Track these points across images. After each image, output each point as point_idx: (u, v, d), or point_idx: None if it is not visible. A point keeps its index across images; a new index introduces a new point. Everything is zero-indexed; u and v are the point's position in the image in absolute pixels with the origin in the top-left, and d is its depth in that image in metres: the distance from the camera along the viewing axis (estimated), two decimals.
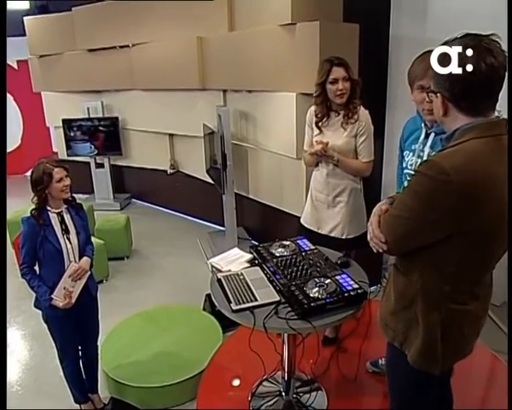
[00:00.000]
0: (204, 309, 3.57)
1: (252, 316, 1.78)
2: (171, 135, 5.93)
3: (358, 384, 2.49)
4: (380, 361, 2.55)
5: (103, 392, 2.85)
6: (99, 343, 2.81)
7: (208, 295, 3.57)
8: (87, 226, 2.56)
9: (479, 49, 1.22)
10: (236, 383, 2.59)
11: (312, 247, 2.28)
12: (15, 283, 4.48)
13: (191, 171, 5.82)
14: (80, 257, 2.45)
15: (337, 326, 2.82)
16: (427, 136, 1.88)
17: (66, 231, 2.40)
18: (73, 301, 2.39)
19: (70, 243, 2.40)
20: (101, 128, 6.30)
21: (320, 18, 3.56)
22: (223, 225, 5.09)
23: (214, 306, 3.42)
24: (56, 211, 2.39)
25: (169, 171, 6.09)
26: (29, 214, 2.36)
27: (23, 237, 2.36)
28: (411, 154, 1.96)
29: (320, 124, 2.57)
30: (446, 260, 1.36)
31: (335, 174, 2.57)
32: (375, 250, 1.46)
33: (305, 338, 2.74)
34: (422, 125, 1.91)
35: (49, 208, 2.37)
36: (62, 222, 2.40)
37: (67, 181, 2.38)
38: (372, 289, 2.87)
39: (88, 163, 6.59)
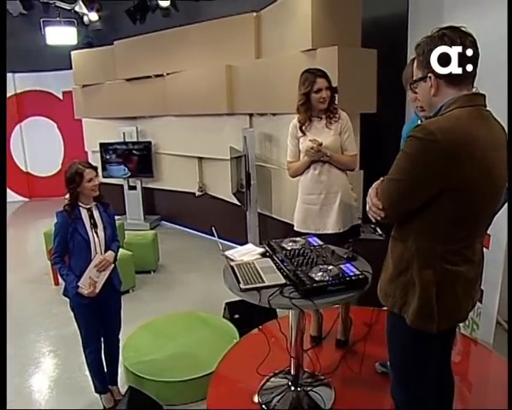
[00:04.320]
0: (224, 317, 3.68)
1: (258, 294, 1.90)
2: (199, 158, 6.22)
3: (366, 383, 2.52)
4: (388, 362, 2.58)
5: (123, 387, 2.98)
6: (121, 339, 2.96)
7: (228, 304, 3.68)
8: (114, 224, 2.78)
9: (459, 31, 1.46)
10: (246, 379, 2.66)
11: (321, 243, 2.41)
12: (48, 290, 4.78)
13: (218, 193, 6.04)
14: (106, 251, 2.66)
15: (348, 329, 2.91)
16: None
17: (94, 225, 2.62)
18: (97, 290, 2.58)
19: (97, 236, 2.62)
20: (134, 152, 6.68)
21: (339, 43, 3.79)
22: None
23: (233, 313, 3.58)
24: (86, 207, 2.62)
25: (197, 193, 6.34)
26: (62, 209, 2.60)
27: (56, 228, 2.59)
28: None
29: (303, 128, 2.82)
30: (437, 220, 1.49)
31: (327, 171, 2.79)
32: (373, 220, 1.58)
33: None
34: (419, 121, 2.06)
35: (80, 204, 2.61)
36: (91, 217, 2.63)
37: (97, 181, 2.63)
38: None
39: (121, 185, 6.94)
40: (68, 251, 2.59)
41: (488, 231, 2.85)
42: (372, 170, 3.43)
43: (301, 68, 4.15)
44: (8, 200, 8.82)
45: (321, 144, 2.68)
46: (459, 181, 1.43)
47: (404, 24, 4.09)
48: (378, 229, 4.10)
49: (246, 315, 3.46)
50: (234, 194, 5.34)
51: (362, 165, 4.16)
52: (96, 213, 2.65)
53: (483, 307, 2.95)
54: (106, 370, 2.87)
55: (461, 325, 3.18)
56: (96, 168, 2.67)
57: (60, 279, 4.70)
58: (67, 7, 7.07)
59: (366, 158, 4.12)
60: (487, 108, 1.50)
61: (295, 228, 2.91)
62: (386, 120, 4.37)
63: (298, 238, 2.48)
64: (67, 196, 2.61)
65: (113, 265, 2.66)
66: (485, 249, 2.86)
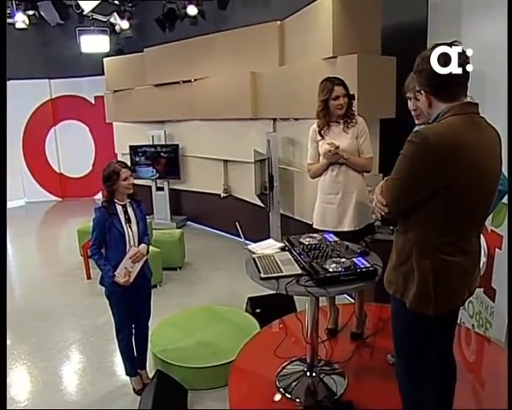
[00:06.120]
0: (246, 311, 3.87)
1: (276, 283, 2.10)
2: (225, 161, 6.45)
3: (377, 372, 2.67)
4: None
5: (151, 372, 3.21)
6: (150, 327, 3.19)
7: (250, 299, 3.87)
8: (145, 219, 3.02)
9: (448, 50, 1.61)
10: (265, 366, 2.84)
11: (336, 239, 2.58)
12: (81, 283, 5.07)
13: (242, 195, 6.26)
14: (139, 243, 2.90)
15: (362, 323, 3.06)
16: None
17: (128, 220, 2.87)
18: (131, 279, 2.82)
19: (131, 230, 2.86)
20: (162, 154, 6.98)
21: (359, 51, 3.95)
22: None
23: (255, 308, 3.77)
24: (121, 203, 2.87)
25: (222, 195, 6.57)
26: (100, 205, 2.85)
27: (95, 222, 2.84)
28: None
29: (322, 132, 2.99)
30: (433, 215, 1.67)
31: (344, 172, 2.95)
32: (378, 215, 1.77)
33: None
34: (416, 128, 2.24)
35: (116, 201, 2.85)
36: (126, 213, 2.87)
37: (131, 180, 2.88)
38: None
39: (149, 186, 7.24)
40: (105, 244, 2.83)
41: (501, 233, 2.98)
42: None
43: (322, 75, 4.32)
44: (42, 199, 9.40)
45: (338, 147, 2.85)
46: (451, 180, 1.61)
47: (424, 31, 4.21)
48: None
49: (267, 310, 3.65)
50: (257, 195, 5.54)
51: (381, 168, 4.30)
52: (129, 209, 2.89)
53: (495, 306, 3.05)
54: (136, 355, 3.10)
55: (475, 324, 3.29)
56: (131, 168, 2.93)
57: (92, 273, 5.01)
58: (103, 19, 7.46)
59: (386, 162, 4.25)
60: (481, 115, 1.66)
61: (314, 226, 3.08)
62: (406, 125, 4.48)
63: (315, 234, 2.66)
64: (99, 194, 2.86)
65: (145, 257, 2.89)
66: (497, 250, 3.00)
